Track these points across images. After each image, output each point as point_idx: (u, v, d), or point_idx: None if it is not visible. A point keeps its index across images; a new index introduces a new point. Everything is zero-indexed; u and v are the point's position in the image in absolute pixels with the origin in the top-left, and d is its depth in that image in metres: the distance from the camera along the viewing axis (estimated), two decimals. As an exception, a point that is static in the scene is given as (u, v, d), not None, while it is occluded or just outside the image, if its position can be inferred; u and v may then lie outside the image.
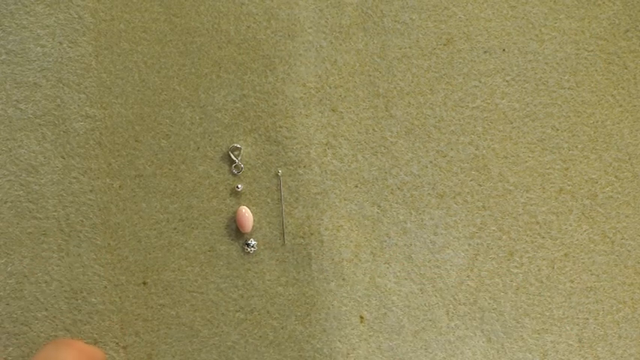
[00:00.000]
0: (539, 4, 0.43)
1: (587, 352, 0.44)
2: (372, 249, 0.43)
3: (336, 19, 0.43)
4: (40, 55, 0.43)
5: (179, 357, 0.43)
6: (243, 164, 0.43)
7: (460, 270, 0.43)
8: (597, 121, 0.44)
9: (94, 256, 0.43)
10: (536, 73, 0.44)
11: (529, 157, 0.44)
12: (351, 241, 0.43)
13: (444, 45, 0.43)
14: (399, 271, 0.43)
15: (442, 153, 0.44)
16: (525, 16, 0.43)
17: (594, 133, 0.44)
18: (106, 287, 0.43)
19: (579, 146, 0.44)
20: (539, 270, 0.44)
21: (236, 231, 0.43)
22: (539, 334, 0.44)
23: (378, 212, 0.43)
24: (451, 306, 0.43)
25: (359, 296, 0.43)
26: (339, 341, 0.43)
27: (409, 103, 0.43)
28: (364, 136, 0.43)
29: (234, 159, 0.43)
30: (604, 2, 0.44)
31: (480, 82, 0.43)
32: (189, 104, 0.43)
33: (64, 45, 0.43)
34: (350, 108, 0.43)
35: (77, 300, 0.43)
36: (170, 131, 0.43)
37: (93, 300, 0.43)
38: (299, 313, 0.43)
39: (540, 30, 0.43)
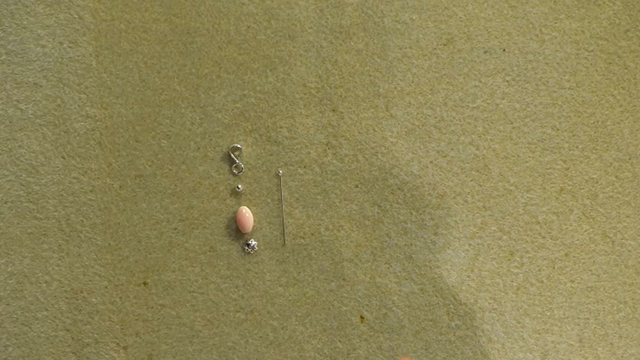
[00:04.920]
0: (539, 4, 0.43)
1: (588, 351, 0.44)
2: (373, 249, 0.43)
3: (336, 19, 0.43)
4: (41, 56, 0.43)
5: (179, 357, 0.43)
6: (244, 164, 0.43)
7: (461, 270, 0.43)
8: (598, 121, 0.44)
9: (95, 257, 0.43)
10: (536, 73, 0.44)
11: (529, 157, 0.44)
12: (352, 241, 0.43)
13: (445, 45, 0.43)
14: (400, 271, 0.43)
15: (442, 153, 0.43)
16: (525, 16, 0.43)
17: (595, 133, 0.44)
18: (106, 287, 0.43)
19: (580, 146, 0.44)
20: (539, 270, 0.44)
21: (236, 231, 0.43)
22: (539, 333, 0.44)
23: (378, 212, 0.43)
24: (452, 306, 0.43)
25: (359, 296, 0.43)
26: (340, 341, 0.43)
27: (409, 103, 0.43)
28: (364, 136, 0.43)
29: (235, 159, 0.43)
30: (604, 2, 0.44)
31: (481, 82, 0.43)
32: (189, 104, 0.43)
33: (65, 45, 0.43)
34: (350, 108, 0.43)
35: (77, 300, 0.43)
36: (170, 131, 0.43)
37: (93, 300, 0.43)
38: (299, 314, 0.43)
39: (540, 30, 0.43)
